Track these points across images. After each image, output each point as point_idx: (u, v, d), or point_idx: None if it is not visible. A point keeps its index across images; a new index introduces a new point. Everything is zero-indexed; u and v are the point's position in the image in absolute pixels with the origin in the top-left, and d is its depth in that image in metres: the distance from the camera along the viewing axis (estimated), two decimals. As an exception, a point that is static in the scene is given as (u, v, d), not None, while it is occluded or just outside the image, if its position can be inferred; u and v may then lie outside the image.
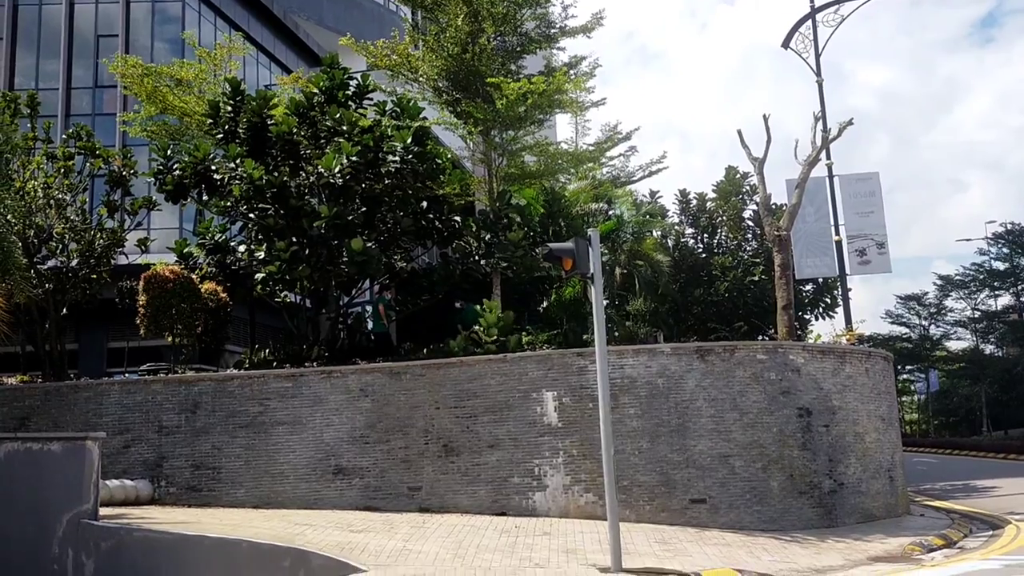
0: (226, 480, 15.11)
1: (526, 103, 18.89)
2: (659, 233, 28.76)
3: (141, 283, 17.46)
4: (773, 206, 22.10)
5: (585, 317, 18.92)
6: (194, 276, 17.93)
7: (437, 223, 18.86)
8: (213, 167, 17.51)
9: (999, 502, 18.64)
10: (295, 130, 17.45)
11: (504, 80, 18.69)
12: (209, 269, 18.23)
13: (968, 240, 57.38)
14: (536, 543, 12.03)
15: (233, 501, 14.86)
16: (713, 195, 30.55)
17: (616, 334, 22.16)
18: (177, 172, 17.83)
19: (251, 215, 17.56)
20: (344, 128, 17.07)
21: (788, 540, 13.08)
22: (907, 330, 52.78)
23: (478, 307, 16.90)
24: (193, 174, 17.64)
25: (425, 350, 16.81)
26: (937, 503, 19.10)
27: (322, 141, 17.47)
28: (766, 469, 14.48)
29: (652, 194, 30.58)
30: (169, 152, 18.24)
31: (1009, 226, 44.07)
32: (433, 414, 14.98)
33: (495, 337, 16.07)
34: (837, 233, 25.66)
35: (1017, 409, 45.87)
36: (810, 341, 20.31)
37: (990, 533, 14.42)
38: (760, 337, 25.81)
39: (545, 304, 22.37)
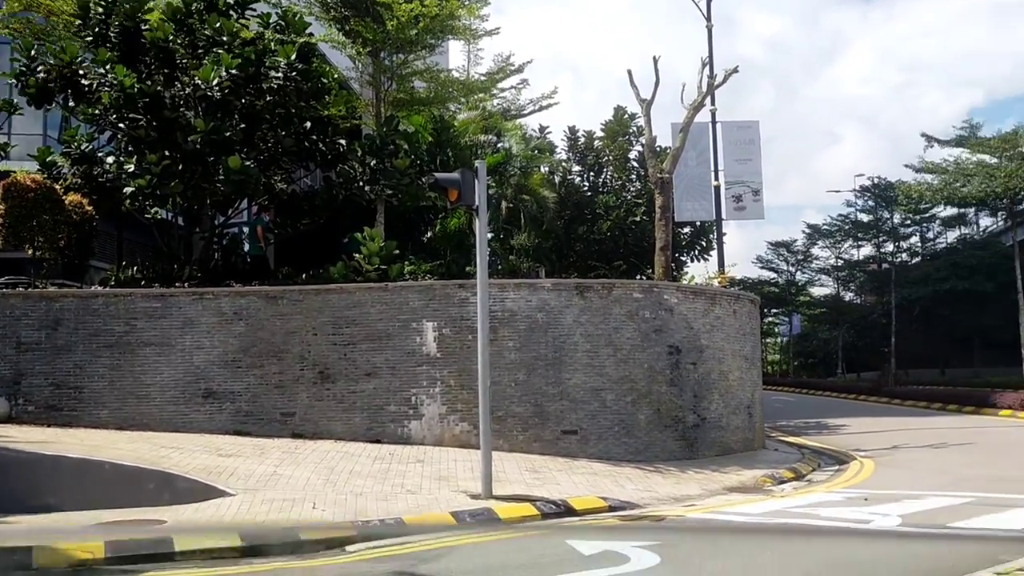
0: (88, 400, 14.55)
1: (417, 26, 18.44)
2: (546, 169, 28.91)
3: (-1, 191, 16.37)
4: (658, 148, 22.50)
5: (469, 249, 18.91)
6: (58, 187, 16.89)
7: (321, 145, 18.34)
8: (81, 72, 16.43)
9: (847, 439, 19.93)
10: (171, 38, 16.50)
11: (396, 0, 18.16)
12: (74, 180, 17.18)
13: (837, 192, 60.61)
14: (409, 470, 12.15)
15: (96, 422, 14.35)
16: (601, 134, 30.82)
17: (499, 267, 22.31)
18: (42, 75, 16.64)
19: (121, 125, 16.61)
20: (224, 39, 16.26)
21: (652, 471, 13.65)
22: (775, 275, 55.24)
23: (359, 235, 16.64)
24: (59, 78, 16.52)
25: (304, 275, 16.49)
26: (791, 439, 20.26)
27: (200, 51, 16.61)
28: (635, 403, 14.99)
29: (541, 129, 30.62)
30: (33, 53, 16.96)
31: (876, 180, 46.24)
32: (310, 340, 14.78)
33: (377, 265, 15.89)
34: (716, 178, 26.40)
35: (870, 353, 48.94)
36: (684, 282, 20.95)
37: (836, 467, 15.41)
38: (639, 276, 26.46)
39: (429, 234, 22.25)
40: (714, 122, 26.43)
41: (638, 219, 27.70)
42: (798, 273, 55.09)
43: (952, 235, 47.40)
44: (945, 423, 23.63)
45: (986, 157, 32.02)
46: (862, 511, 9.68)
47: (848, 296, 55.23)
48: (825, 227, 51.76)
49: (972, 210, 40.86)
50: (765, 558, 7.66)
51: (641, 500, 11.23)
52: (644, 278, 25.12)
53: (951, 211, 42.69)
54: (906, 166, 47.17)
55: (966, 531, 8.22)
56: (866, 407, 32.43)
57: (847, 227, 49.72)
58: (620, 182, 30.09)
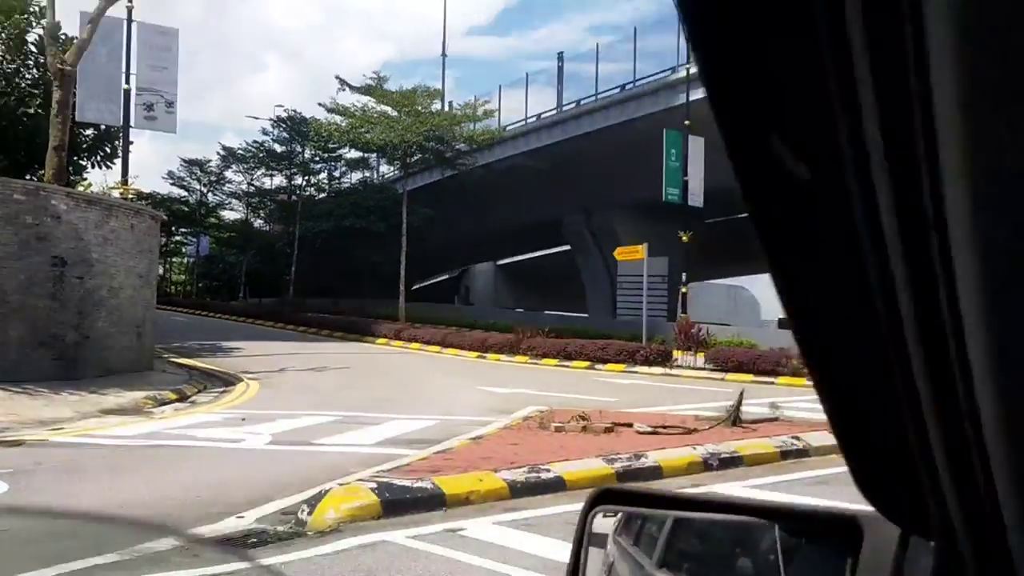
0: None
1: None
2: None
3: None
4: (63, 36, 20.07)
5: None
6: None
7: None
8: None
9: (240, 362, 20.37)
10: None
11: None
12: None
13: (257, 119, 59.91)
14: None
15: None
16: (-7, 6, 26.42)
17: None
18: None
19: None
20: None
21: (19, 392, 12.34)
22: (187, 194, 53.83)
23: None
24: None
25: None
26: (183, 360, 20.03)
27: None
28: (6, 318, 13.37)
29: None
30: None
31: (292, 113, 47.52)
32: None
33: None
34: (127, 82, 24.59)
35: (273, 280, 50.74)
36: (80, 189, 19.18)
37: (223, 389, 15.63)
38: (27, 176, 23.48)
39: None
40: (130, 21, 24.50)
41: (32, 111, 24.49)
42: (210, 194, 54.45)
43: (356, 176, 51.07)
44: (332, 349, 25.62)
45: (388, 109, 34.98)
46: (237, 431, 9.96)
47: (257, 223, 56.25)
48: (240, 152, 51.80)
49: (374, 156, 44.38)
50: (109, 482, 7.41)
51: (-1, 424, 10.06)
52: (33, 179, 22.37)
53: (356, 154, 45.87)
54: (320, 104, 49.13)
55: (326, 447, 8.99)
56: (264, 331, 33.62)
57: (261, 155, 50.39)
58: (14, 66, 26.21)
